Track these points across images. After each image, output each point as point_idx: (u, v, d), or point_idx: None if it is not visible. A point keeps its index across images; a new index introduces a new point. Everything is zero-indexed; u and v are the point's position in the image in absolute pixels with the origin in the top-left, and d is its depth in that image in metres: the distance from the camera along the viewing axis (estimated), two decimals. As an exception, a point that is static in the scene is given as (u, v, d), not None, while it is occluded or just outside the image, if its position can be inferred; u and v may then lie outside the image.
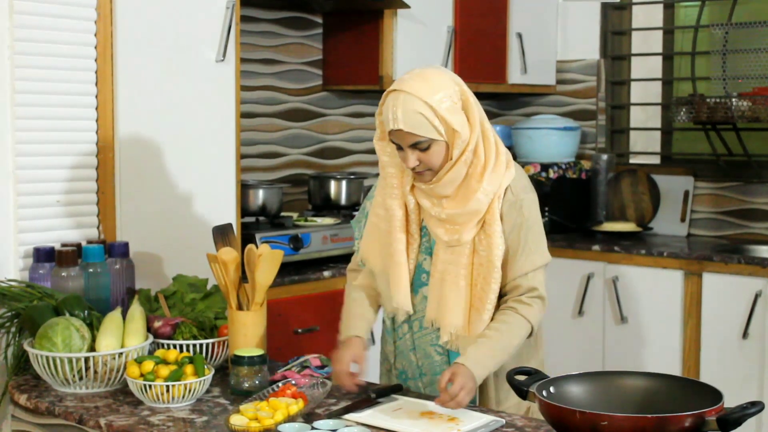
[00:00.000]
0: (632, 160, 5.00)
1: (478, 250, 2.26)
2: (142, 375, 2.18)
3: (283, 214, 3.81)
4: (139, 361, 2.21)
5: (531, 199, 2.31)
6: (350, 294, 2.49)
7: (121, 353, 2.29)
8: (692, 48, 4.67)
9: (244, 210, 3.58)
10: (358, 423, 2.02)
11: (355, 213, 4.01)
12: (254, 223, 3.64)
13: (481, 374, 2.17)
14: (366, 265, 2.43)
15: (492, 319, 2.27)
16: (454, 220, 2.25)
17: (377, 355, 2.56)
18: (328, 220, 3.83)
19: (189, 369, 2.19)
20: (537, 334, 2.36)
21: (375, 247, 2.38)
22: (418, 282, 2.35)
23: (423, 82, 2.17)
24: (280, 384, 2.20)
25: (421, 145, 2.18)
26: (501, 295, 2.30)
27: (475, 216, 2.24)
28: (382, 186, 2.38)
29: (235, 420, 1.96)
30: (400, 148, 2.22)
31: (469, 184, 2.24)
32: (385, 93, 2.21)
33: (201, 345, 2.42)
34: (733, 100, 4.32)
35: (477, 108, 2.24)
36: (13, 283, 2.56)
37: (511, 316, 2.26)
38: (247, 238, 3.40)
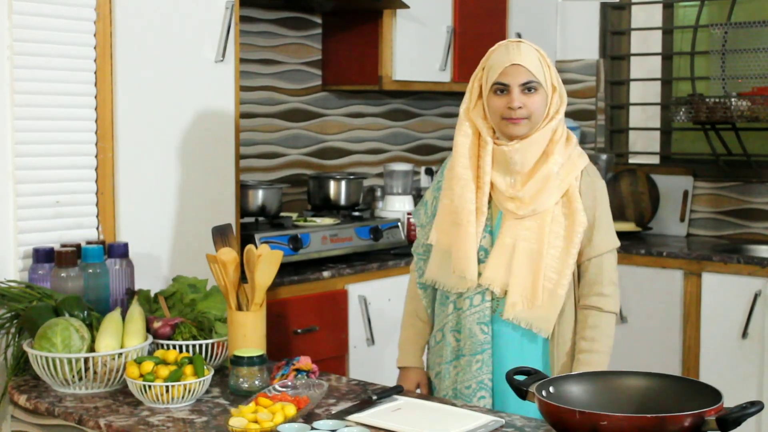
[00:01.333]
0: (631, 160, 5.00)
1: (559, 224, 2.36)
2: (141, 375, 2.18)
3: (282, 214, 3.81)
4: (138, 361, 2.21)
5: (603, 185, 2.46)
6: (406, 318, 2.61)
7: (121, 354, 2.28)
8: (691, 48, 4.67)
9: (243, 210, 3.58)
10: (358, 423, 2.02)
11: (355, 213, 4.03)
12: (254, 223, 3.64)
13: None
14: (434, 244, 2.47)
15: (584, 327, 2.38)
16: (525, 188, 2.36)
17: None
18: (327, 221, 3.83)
19: (188, 369, 2.19)
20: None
21: (446, 222, 2.45)
22: (479, 258, 2.41)
23: (530, 42, 2.40)
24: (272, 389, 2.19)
25: (531, 84, 2.33)
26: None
27: (545, 185, 2.35)
28: (453, 161, 2.45)
29: (235, 422, 1.96)
30: (502, 92, 2.34)
31: (545, 158, 2.37)
32: (493, 48, 2.40)
33: (200, 345, 2.42)
34: (733, 99, 4.32)
35: (565, 91, 2.42)
36: (12, 284, 2.56)
37: (594, 316, 2.38)
38: (247, 238, 3.40)
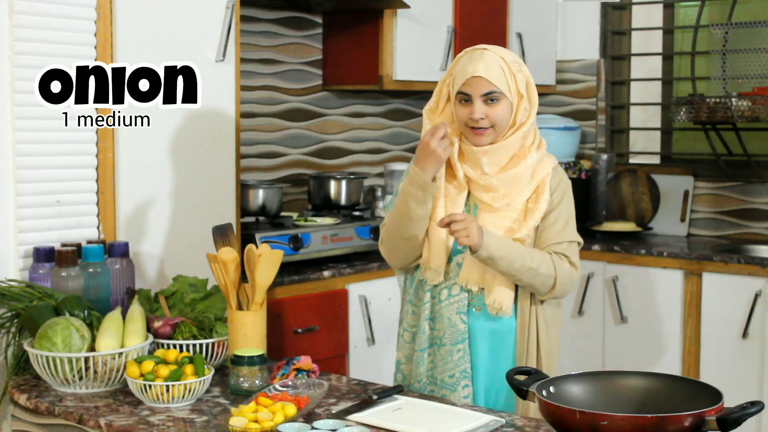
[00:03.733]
0: (632, 160, 5.00)
1: (526, 216, 2.41)
2: (142, 375, 2.18)
3: (282, 214, 3.81)
4: (138, 361, 2.21)
5: (569, 185, 2.51)
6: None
7: (121, 353, 2.29)
8: (692, 48, 4.67)
9: (243, 210, 3.58)
10: (358, 423, 2.02)
11: (355, 213, 4.03)
12: (254, 223, 3.64)
13: (490, 240, 2.30)
14: None
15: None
16: (502, 184, 2.39)
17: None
18: (328, 220, 3.83)
19: (189, 369, 2.19)
20: (558, 330, 2.48)
21: None
22: (453, 249, 2.44)
23: (502, 49, 2.42)
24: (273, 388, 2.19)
25: (493, 95, 2.35)
26: None
27: (519, 181, 2.39)
28: None
29: (235, 421, 1.96)
30: (466, 101, 2.38)
31: (517, 156, 2.41)
32: (460, 54, 2.41)
33: (201, 345, 2.42)
34: (733, 99, 4.32)
35: (536, 95, 2.44)
36: (13, 283, 2.56)
37: (543, 252, 2.40)
38: (247, 238, 3.40)
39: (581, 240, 2.50)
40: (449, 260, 2.44)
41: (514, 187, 2.40)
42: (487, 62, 2.35)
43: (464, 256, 2.41)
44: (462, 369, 2.41)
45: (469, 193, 2.46)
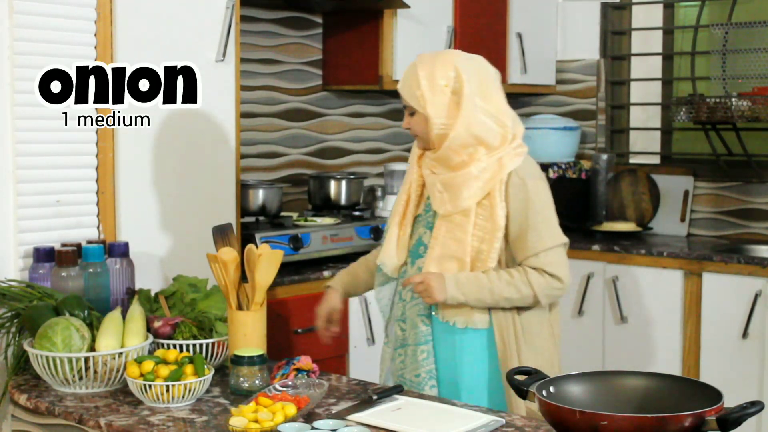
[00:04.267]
0: (632, 160, 5.00)
1: (478, 227, 2.39)
2: (142, 375, 2.18)
3: (282, 214, 3.81)
4: (139, 361, 2.21)
5: (537, 184, 2.42)
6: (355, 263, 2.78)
7: (121, 353, 2.29)
8: (692, 48, 4.67)
9: (244, 210, 3.58)
10: (358, 423, 2.02)
11: (355, 213, 4.03)
12: (254, 223, 3.64)
13: (452, 288, 2.34)
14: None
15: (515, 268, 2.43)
16: (445, 187, 2.41)
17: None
18: (328, 220, 3.83)
19: (189, 369, 2.19)
20: (554, 332, 2.48)
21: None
22: (415, 254, 2.49)
23: (430, 58, 2.41)
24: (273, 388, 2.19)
25: (408, 110, 2.43)
26: None
27: (465, 184, 2.38)
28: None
29: (235, 421, 1.96)
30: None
31: (465, 164, 2.39)
32: None
33: (201, 345, 2.42)
34: (733, 99, 4.32)
35: (475, 100, 2.36)
36: (13, 283, 2.56)
37: (516, 271, 2.38)
38: (247, 238, 3.40)
39: (563, 240, 2.42)
40: (411, 264, 2.50)
41: (459, 192, 2.38)
42: (405, 76, 2.43)
43: (424, 260, 2.45)
44: (428, 369, 2.46)
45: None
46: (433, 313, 2.45)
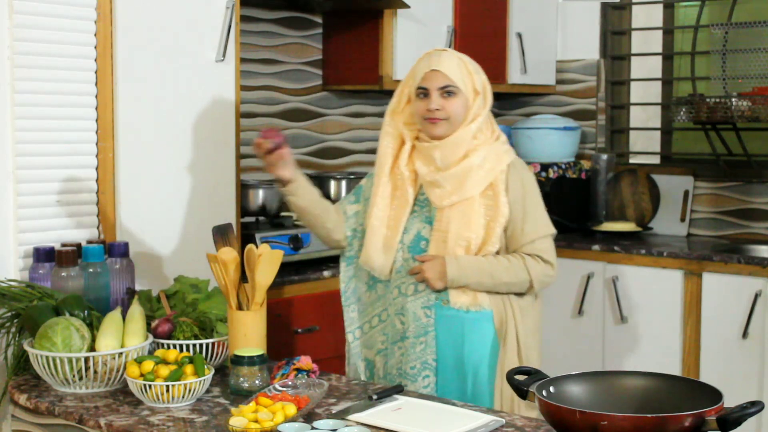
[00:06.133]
0: (632, 160, 5.00)
1: (481, 215, 2.50)
2: (142, 375, 2.18)
3: (282, 213, 3.80)
4: (139, 361, 2.21)
5: (531, 177, 2.61)
6: None
7: (121, 353, 2.29)
8: (692, 48, 4.67)
9: (244, 210, 3.58)
10: (358, 423, 2.02)
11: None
12: (254, 222, 3.64)
13: (454, 270, 2.44)
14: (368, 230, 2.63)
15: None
16: (449, 179, 2.50)
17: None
18: (328, 220, 3.82)
19: (189, 369, 2.19)
20: (539, 318, 2.59)
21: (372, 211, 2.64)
22: (416, 248, 2.56)
23: (461, 53, 2.58)
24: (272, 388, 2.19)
25: (449, 89, 2.49)
26: None
27: (465, 177, 2.49)
28: (378, 156, 2.65)
29: (235, 421, 1.96)
30: (424, 96, 2.51)
31: (466, 152, 2.52)
32: (421, 56, 2.57)
33: (201, 345, 2.42)
34: (733, 99, 4.32)
35: (491, 96, 2.58)
36: (13, 283, 2.56)
37: (513, 257, 2.51)
38: (247, 238, 3.40)
39: (553, 231, 2.58)
40: (412, 259, 2.54)
41: (463, 183, 2.50)
42: (445, 59, 2.51)
43: (427, 255, 2.52)
44: (423, 360, 2.52)
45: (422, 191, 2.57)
46: (442, 302, 2.51)
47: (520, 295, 2.55)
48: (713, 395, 1.80)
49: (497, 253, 2.52)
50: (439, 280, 2.48)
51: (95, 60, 2.82)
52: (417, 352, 2.53)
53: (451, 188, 2.51)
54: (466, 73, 2.52)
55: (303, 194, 2.65)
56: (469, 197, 2.50)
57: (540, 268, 2.53)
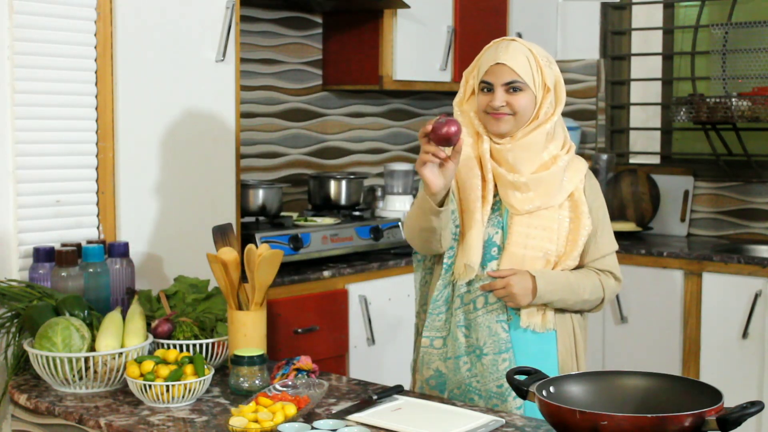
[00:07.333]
0: (632, 160, 5.00)
1: (563, 225, 2.34)
2: (142, 375, 2.18)
3: (282, 214, 3.81)
4: (139, 361, 2.21)
5: (599, 187, 2.47)
6: None
7: (121, 353, 2.29)
8: (692, 48, 4.67)
9: (244, 210, 3.58)
10: (358, 423, 2.02)
11: (355, 213, 4.03)
12: (254, 223, 3.64)
13: (543, 286, 2.26)
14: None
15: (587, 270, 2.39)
16: (532, 184, 2.31)
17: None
18: (327, 220, 3.83)
19: (189, 369, 2.19)
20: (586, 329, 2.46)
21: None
22: (487, 256, 2.34)
23: (533, 44, 2.36)
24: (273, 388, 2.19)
25: (515, 84, 2.28)
26: None
27: (551, 183, 2.32)
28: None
29: (235, 421, 1.96)
30: (488, 90, 2.31)
31: (547, 161, 2.34)
32: (488, 44, 2.35)
33: (201, 345, 2.42)
34: (733, 99, 4.32)
35: (564, 93, 2.37)
36: (13, 283, 2.56)
37: (591, 274, 2.37)
38: (247, 238, 3.40)
39: (617, 246, 2.45)
40: (484, 264, 2.33)
41: (547, 191, 2.32)
42: (513, 52, 2.29)
43: (499, 262, 2.32)
44: None
45: (497, 191, 2.35)
46: (511, 318, 2.33)
47: (578, 311, 2.40)
48: (713, 395, 1.80)
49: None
50: (526, 296, 2.27)
51: (95, 60, 2.82)
52: (501, 370, 2.31)
53: (535, 194, 2.31)
54: (535, 68, 2.30)
55: (446, 208, 2.27)
56: (554, 205, 2.33)
57: (612, 284, 2.38)
